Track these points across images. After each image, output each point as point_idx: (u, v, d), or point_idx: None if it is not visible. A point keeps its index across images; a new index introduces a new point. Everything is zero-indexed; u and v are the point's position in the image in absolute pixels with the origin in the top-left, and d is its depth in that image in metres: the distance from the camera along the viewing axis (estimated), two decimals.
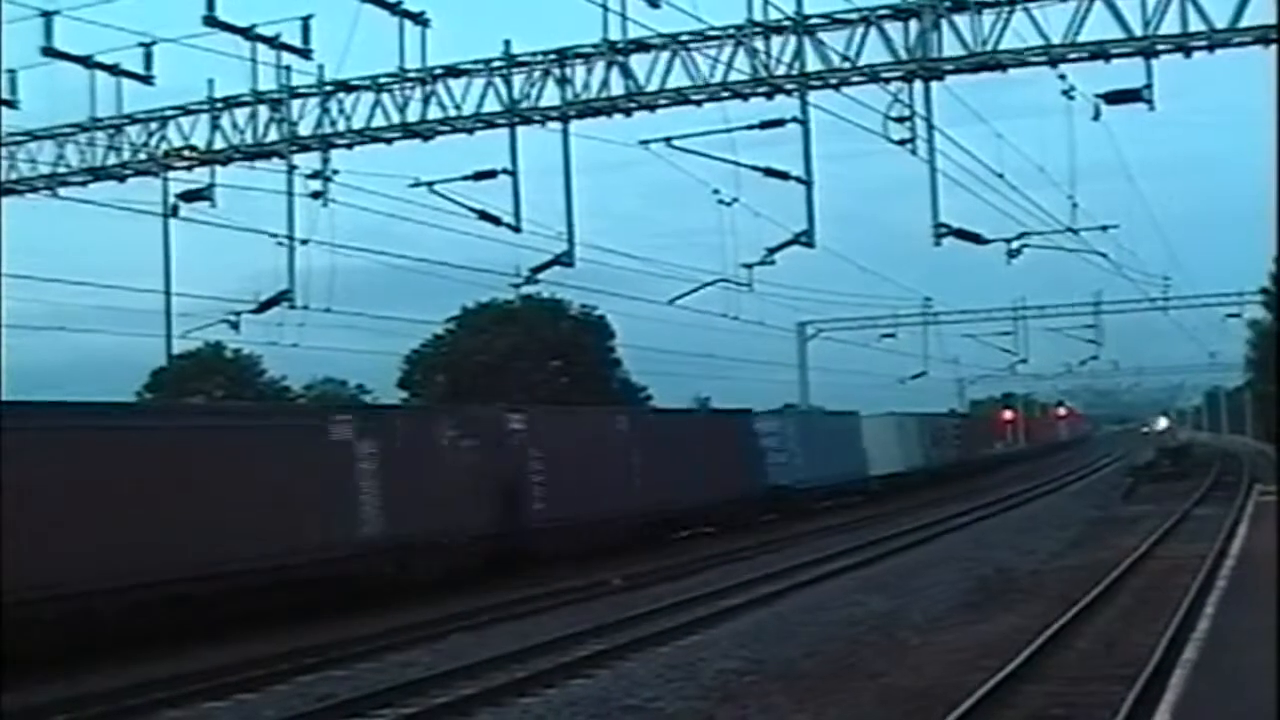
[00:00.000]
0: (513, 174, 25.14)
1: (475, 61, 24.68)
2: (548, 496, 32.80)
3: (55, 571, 19.96)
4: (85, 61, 25.16)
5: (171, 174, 27.06)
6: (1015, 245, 28.34)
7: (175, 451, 22.89)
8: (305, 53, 24.58)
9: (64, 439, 20.93)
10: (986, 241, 26.93)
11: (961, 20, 22.37)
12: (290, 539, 24.39)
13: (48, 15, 23.86)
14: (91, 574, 20.60)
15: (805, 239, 24.83)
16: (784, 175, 24.93)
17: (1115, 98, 22.62)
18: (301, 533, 24.82)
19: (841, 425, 59.47)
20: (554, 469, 33.14)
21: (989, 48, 22.26)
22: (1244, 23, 20.95)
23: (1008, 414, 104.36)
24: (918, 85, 23.31)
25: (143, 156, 26.73)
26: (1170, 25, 21.33)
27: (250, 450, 24.40)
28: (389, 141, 25.52)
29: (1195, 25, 21.21)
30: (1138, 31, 21.50)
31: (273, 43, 24.32)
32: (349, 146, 25.77)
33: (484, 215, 25.49)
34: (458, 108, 24.71)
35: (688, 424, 45.36)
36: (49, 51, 24.31)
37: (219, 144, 26.14)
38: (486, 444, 31.18)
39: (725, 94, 23.69)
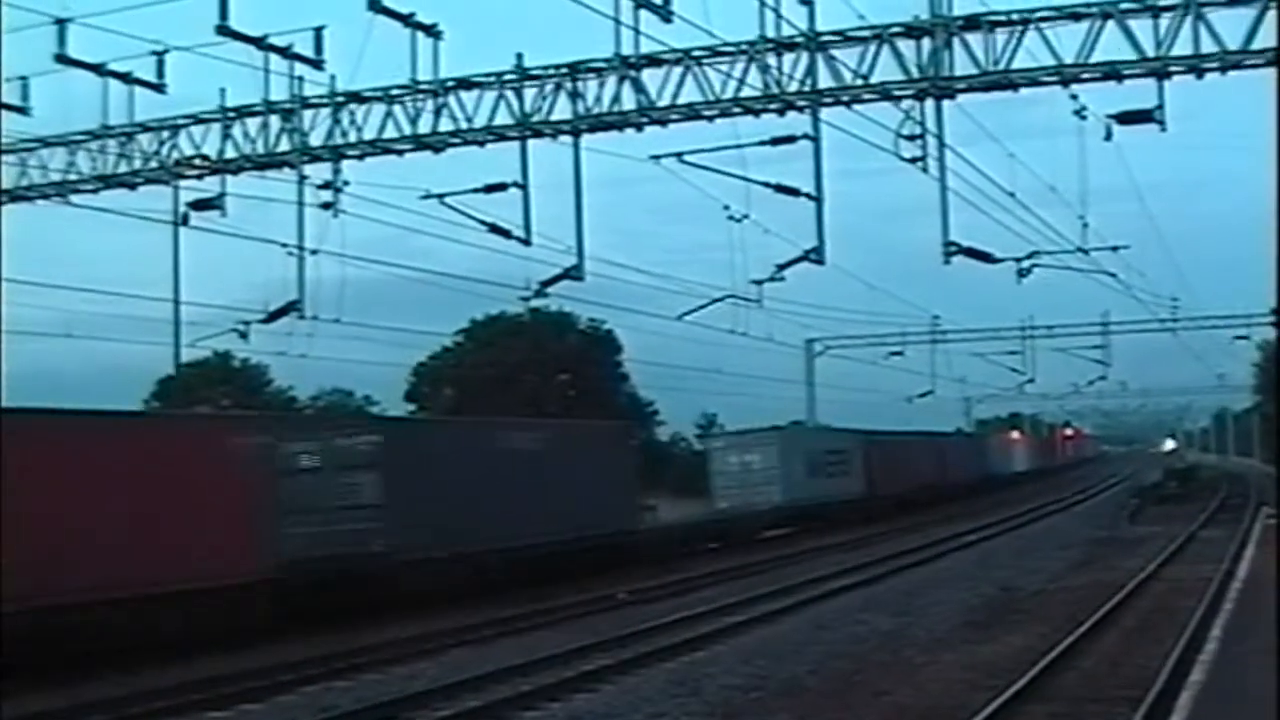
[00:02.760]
0: (523, 187, 25.14)
1: (487, 74, 24.70)
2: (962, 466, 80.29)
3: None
4: (98, 69, 25.20)
5: (182, 183, 27.07)
6: (1025, 264, 28.33)
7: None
8: (317, 63, 24.61)
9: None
10: (997, 260, 26.90)
11: (974, 39, 22.36)
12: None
13: (61, 22, 23.91)
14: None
15: (815, 256, 24.83)
16: (794, 192, 24.94)
17: (1127, 118, 22.61)
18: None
19: (1004, 441, 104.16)
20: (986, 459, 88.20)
21: (1001, 67, 22.25)
22: (1256, 45, 20.92)
23: (1056, 435, 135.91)
24: (929, 103, 23.31)
25: (154, 165, 26.75)
26: (1182, 46, 21.32)
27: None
28: (400, 153, 25.51)
29: (1207, 47, 21.20)
30: (1150, 52, 21.49)
31: (285, 53, 24.34)
32: (360, 157, 25.77)
33: (494, 228, 25.49)
34: (469, 120, 24.71)
35: (959, 441, 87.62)
36: (62, 59, 24.35)
37: (230, 153, 26.15)
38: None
39: (737, 110, 23.68)
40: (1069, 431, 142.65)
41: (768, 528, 50.05)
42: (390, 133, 25.20)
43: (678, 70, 23.59)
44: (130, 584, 21.81)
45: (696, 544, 44.34)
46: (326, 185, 25.94)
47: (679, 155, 25.44)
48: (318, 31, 24.29)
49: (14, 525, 19.64)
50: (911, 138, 23.45)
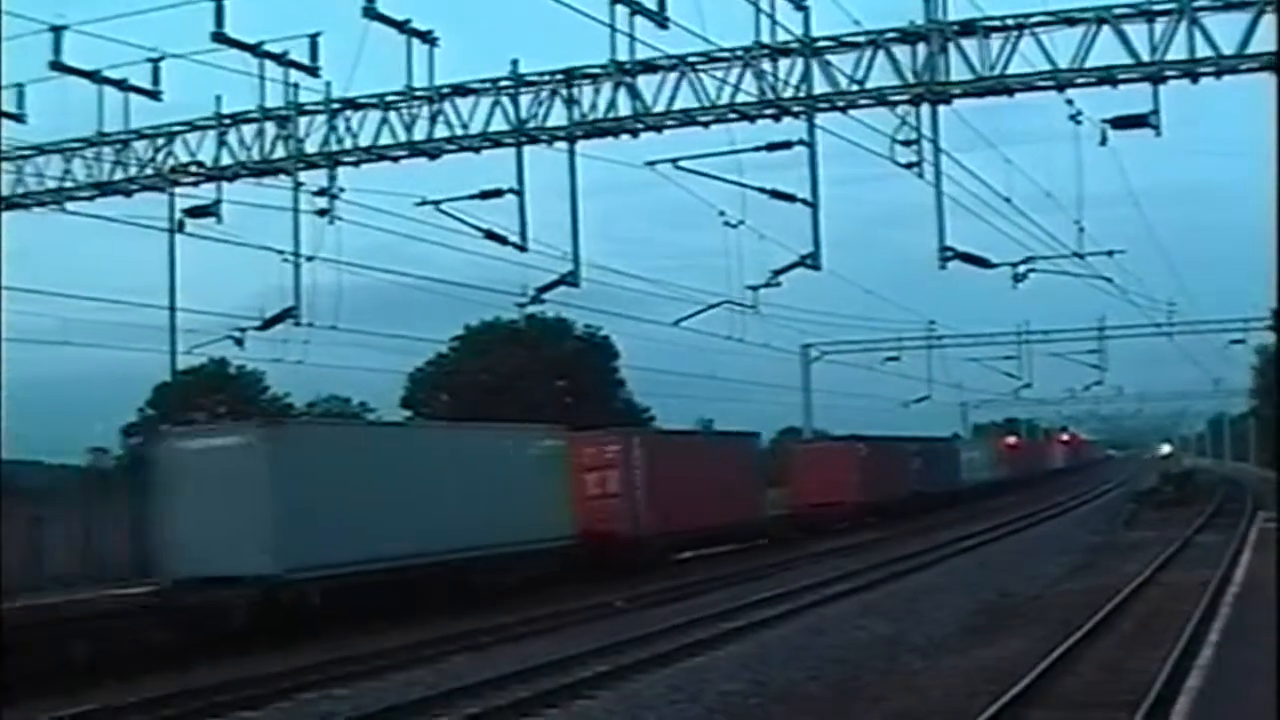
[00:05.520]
0: (519, 193, 25.07)
1: (483, 81, 24.65)
2: (1041, 460, 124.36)
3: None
4: (93, 76, 25.16)
5: (178, 189, 27.02)
6: (1021, 269, 28.32)
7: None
8: (313, 70, 24.56)
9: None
10: (992, 265, 26.87)
11: (969, 44, 22.34)
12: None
13: (57, 30, 23.88)
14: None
15: (811, 261, 24.79)
16: (790, 198, 24.88)
17: (1122, 123, 22.57)
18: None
19: (1054, 447, 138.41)
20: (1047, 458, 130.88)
21: (996, 72, 22.22)
22: (1251, 49, 20.93)
23: (1078, 438, 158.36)
24: (925, 109, 23.28)
25: (149, 172, 26.69)
26: (1177, 51, 21.31)
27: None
28: (396, 160, 25.46)
29: (1202, 51, 21.18)
30: (1145, 57, 21.49)
31: (280, 60, 24.29)
32: (356, 164, 25.71)
33: (490, 234, 25.45)
34: (465, 127, 24.68)
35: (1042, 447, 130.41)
36: (57, 66, 24.31)
37: (226, 160, 26.10)
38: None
39: (732, 115, 23.65)
40: (1065, 437, 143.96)
41: (990, 493, 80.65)
42: (386, 139, 25.15)
43: (673, 76, 23.56)
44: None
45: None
46: (322, 192, 25.88)
47: (675, 161, 25.39)
48: (313, 38, 24.23)
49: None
50: (907, 143, 23.43)
